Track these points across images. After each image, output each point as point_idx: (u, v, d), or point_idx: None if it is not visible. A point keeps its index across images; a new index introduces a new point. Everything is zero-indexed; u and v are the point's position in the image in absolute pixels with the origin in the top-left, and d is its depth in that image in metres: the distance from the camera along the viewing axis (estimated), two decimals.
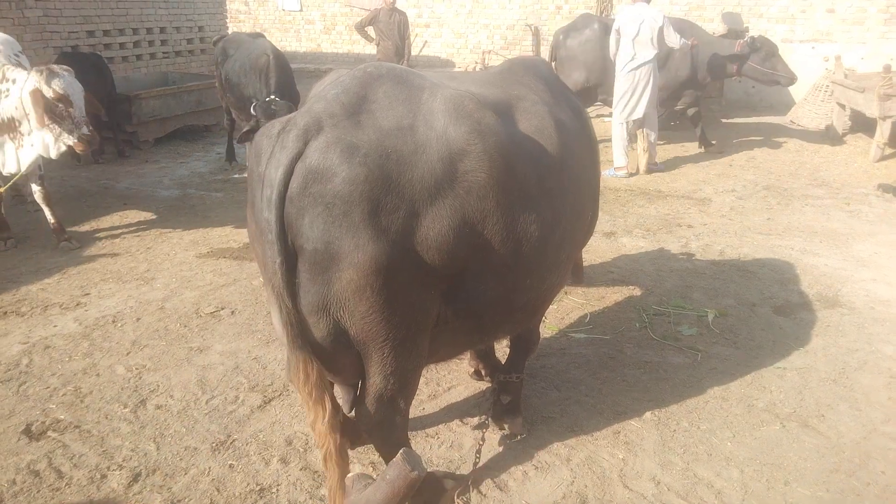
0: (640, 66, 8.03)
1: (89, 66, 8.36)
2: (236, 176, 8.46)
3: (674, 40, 8.02)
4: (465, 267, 2.48)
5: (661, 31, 7.90)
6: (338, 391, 3.08)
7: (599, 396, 3.77)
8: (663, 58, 8.56)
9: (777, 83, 9.24)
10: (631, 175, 8.35)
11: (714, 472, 3.18)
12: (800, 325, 4.57)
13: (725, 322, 4.63)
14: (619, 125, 8.36)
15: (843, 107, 9.69)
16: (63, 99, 5.23)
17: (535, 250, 2.63)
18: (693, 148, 9.58)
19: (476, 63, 14.42)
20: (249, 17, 17.53)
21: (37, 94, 5.17)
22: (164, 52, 11.92)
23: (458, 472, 3.12)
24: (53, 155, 5.51)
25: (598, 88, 9.49)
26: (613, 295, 5.06)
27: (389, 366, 2.44)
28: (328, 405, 2.36)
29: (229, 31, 13.79)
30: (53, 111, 5.23)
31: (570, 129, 2.97)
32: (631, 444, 3.37)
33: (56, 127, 5.29)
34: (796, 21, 11.89)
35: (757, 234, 6.29)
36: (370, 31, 10.73)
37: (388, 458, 2.67)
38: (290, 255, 2.27)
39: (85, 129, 5.34)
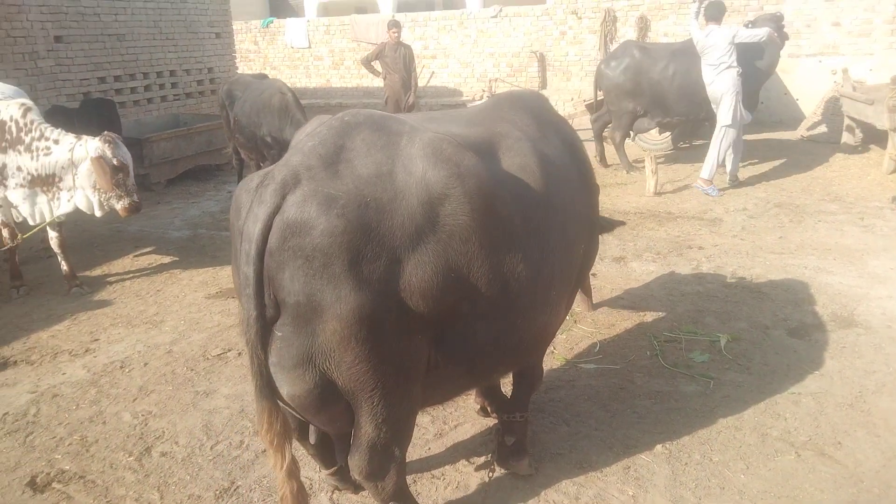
0: (716, 85, 8.16)
1: (99, 112, 8.53)
2: None
3: (759, 33, 8.12)
4: (453, 311, 2.45)
5: (732, 45, 7.95)
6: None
7: (609, 430, 3.69)
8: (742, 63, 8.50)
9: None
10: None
11: None
12: (814, 348, 4.46)
13: (738, 347, 4.53)
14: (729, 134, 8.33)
15: (853, 120, 9.59)
16: (123, 168, 5.50)
17: (524, 290, 2.59)
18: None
19: (483, 91, 14.50)
20: (259, 56, 17.82)
21: (101, 163, 5.40)
22: (174, 95, 12.15)
23: None
24: (98, 213, 5.71)
25: (649, 114, 9.43)
26: (623, 322, 4.99)
27: (380, 414, 2.41)
28: (288, 454, 2.44)
29: (239, 71, 14.04)
30: (112, 179, 5.47)
31: (557, 163, 2.94)
32: (641, 480, 3.28)
33: (110, 191, 5.52)
34: (801, 35, 11.84)
35: (769, 254, 6.19)
36: (377, 65, 10.87)
37: None
38: (265, 309, 2.29)
39: (135, 197, 5.62)
